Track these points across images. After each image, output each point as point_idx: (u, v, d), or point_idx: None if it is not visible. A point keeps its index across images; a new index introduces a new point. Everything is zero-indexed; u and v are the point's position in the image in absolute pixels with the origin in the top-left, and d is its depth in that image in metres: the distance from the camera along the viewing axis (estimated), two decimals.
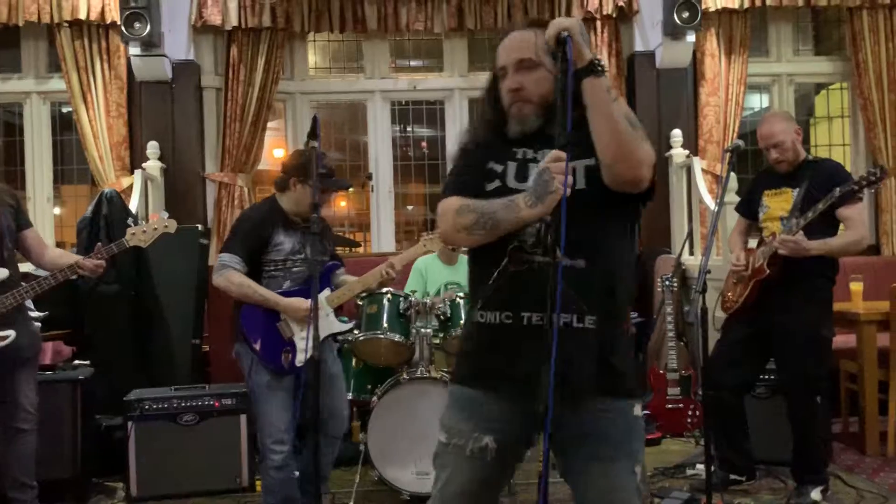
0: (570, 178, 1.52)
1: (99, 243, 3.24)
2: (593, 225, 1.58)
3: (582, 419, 1.62)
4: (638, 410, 1.70)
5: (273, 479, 2.94)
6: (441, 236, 1.81)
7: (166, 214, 3.36)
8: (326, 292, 3.11)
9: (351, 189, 3.30)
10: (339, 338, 3.32)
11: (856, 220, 3.28)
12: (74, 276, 3.14)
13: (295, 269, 3.03)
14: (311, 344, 2.51)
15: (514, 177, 1.71)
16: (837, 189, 3.18)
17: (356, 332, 3.61)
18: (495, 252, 1.63)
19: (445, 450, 1.73)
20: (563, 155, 1.51)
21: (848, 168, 3.79)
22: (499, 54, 1.76)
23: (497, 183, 1.71)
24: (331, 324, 3.11)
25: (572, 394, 1.55)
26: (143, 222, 3.35)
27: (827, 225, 3.28)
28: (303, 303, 2.95)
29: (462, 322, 3.69)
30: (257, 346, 2.97)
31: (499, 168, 1.73)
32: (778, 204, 3.41)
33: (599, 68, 1.56)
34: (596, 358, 1.62)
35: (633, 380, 1.72)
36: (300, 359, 3.00)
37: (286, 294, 3.00)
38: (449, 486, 1.72)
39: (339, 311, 3.27)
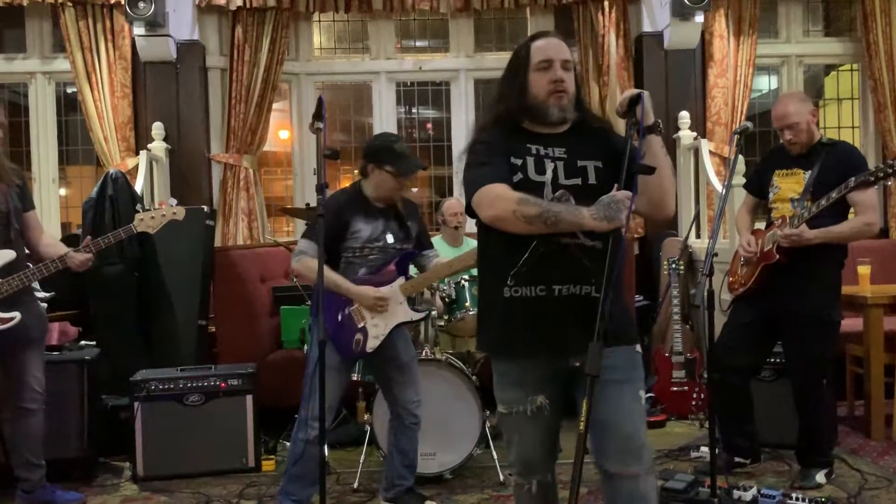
0: (580, 179, 1.96)
1: (88, 237, 3.23)
2: None
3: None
4: (638, 349, 2.04)
5: (302, 451, 2.93)
6: (489, 219, 1.93)
7: (174, 201, 3.36)
8: (401, 280, 3.07)
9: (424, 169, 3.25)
10: None
11: (866, 205, 3.24)
12: (62, 268, 3.12)
13: (371, 257, 3.01)
14: (319, 331, 2.53)
15: (533, 170, 1.97)
16: (852, 179, 3.13)
17: None
18: (520, 235, 1.91)
19: (509, 419, 2.06)
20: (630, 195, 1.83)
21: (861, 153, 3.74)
22: (540, 50, 2.03)
23: (520, 175, 1.96)
24: (402, 312, 3.07)
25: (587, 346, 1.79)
26: (152, 208, 3.35)
27: (837, 208, 3.25)
28: (371, 291, 2.96)
29: (467, 302, 3.70)
30: (331, 331, 2.96)
31: (518, 162, 1.98)
32: (789, 185, 3.38)
33: (659, 130, 1.94)
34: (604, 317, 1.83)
35: (633, 330, 2.06)
36: (371, 345, 3.00)
37: (359, 281, 2.99)
38: (523, 449, 2.09)
39: None
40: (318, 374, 2.55)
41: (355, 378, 3.67)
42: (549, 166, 1.96)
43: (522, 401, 2.02)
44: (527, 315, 1.96)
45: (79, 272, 3.20)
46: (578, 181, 1.96)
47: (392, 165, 2.97)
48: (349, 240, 2.98)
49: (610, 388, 1.88)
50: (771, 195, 3.46)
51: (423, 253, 3.24)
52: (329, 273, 2.94)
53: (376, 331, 3.01)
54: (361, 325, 3.00)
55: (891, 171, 3.09)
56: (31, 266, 3.10)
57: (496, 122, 2.08)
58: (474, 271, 4.26)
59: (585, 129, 2.06)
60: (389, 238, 3.05)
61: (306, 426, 2.93)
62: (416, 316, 3.14)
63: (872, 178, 3.12)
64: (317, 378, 2.94)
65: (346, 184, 6.69)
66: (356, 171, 3.21)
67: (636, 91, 1.93)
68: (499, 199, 1.89)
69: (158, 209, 3.30)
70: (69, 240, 4.19)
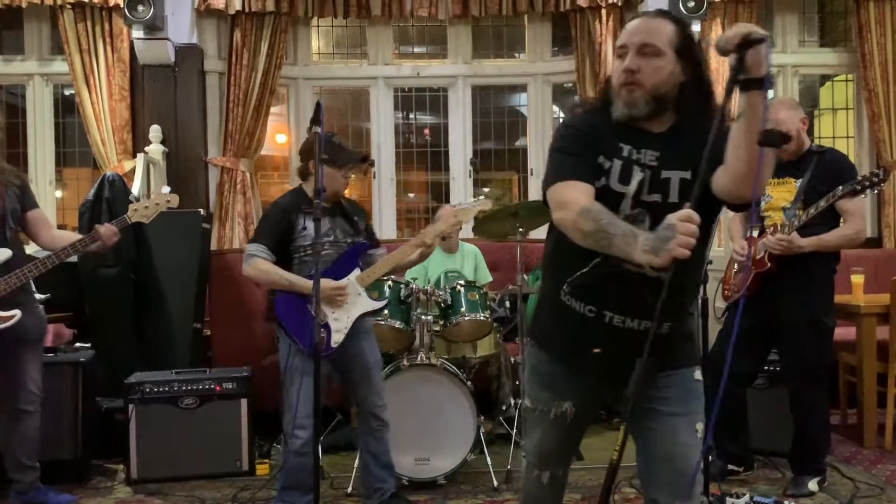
0: (660, 195, 1.71)
1: (107, 223, 3.25)
2: None
3: (649, 386, 1.71)
4: (698, 374, 1.86)
5: (293, 462, 2.97)
6: (554, 221, 1.75)
7: (167, 189, 3.36)
8: (356, 272, 3.10)
9: (369, 162, 3.28)
10: None
11: (854, 214, 3.29)
12: (93, 247, 3.14)
13: (324, 253, 3.03)
14: (315, 330, 2.56)
15: (617, 178, 1.74)
16: (840, 188, 3.17)
17: None
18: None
19: (532, 414, 1.99)
20: (695, 217, 1.47)
21: (851, 160, 3.77)
22: (622, 34, 1.78)
23: (603, 181, 1.74)
24: (362, 303, 3.09)
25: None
26: (145, 198, 3.35)
27: (828, 216, 3.28)
28: (327, 283, 2.97)
29: (462, 307, 3.71)
30: (292, 332, 2.98)
31: (606, 164, 1.75)
32: (781, 194, 3.40)
33: (769, 84, 1.51)
34: (666, 352, 1.71)
35: (693, 350, 1.91)
36: (335, 339, 3.01)
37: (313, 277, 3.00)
38: (542, 444, 2.00)
39: None
40: (314, 380, 2.55)
41: None
42: (637, 176, 1.72)
43: (548, 402, 1.93)
44: (574, 329, 1.83)
45: (77, 274, 3.20)
46: (658, 198, 1.72)
47: (331, 158, 2.97)
48: (298, 238, 3.00)
49: (664, 420, 1.79)
50: (762, 203, 3.48)
51: (371, 252, 3.24)
52: (281, 272, 2.98)
53: (338, 324, 3.02)
54: (323, 321, 2.98)
55: (877, 179, 3.15)
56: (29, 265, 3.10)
57: (598, 108, 1.83)
58: (470, 276, 4.30)
59: (691, 128, 1.70)
60: (339, 233, 3.09)
61: (293, 438, 2.95)
62: (376, 305, 3.16)
63: (859, 187, 3.16)
64: (292, 388, 2.96)
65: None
66: (352, 176, 3.23)
67: (760, 32, 1.49)
68: (564, 204, 1.68)
69: (152, 198, 3.31)
70: None
